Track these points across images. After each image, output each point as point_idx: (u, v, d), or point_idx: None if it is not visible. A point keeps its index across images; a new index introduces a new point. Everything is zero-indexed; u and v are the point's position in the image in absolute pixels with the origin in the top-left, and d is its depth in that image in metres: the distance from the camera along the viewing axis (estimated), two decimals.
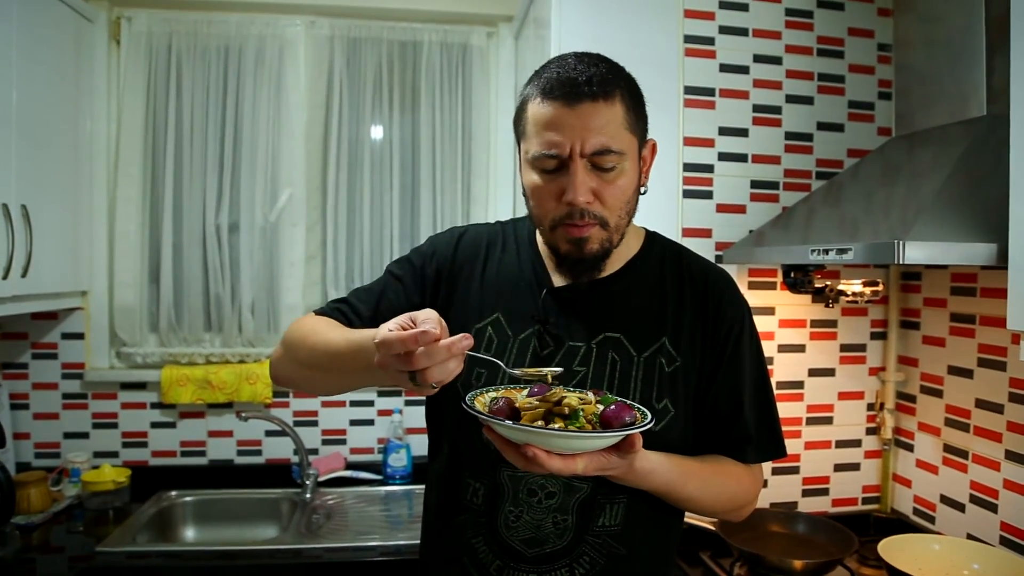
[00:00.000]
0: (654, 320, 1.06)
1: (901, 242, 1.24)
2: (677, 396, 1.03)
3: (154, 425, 2.38)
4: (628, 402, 0.92)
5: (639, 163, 1.03)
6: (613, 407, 0.87)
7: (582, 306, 1.07)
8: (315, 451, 2.43)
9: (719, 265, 1.16)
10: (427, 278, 1.15)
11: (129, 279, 2.37)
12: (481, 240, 1.18)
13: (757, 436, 1.08)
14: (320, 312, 1.14)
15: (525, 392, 0.94)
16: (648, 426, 0.85)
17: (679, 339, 1.05)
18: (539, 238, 1.14)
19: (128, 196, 2.35)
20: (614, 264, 1.09)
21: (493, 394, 0.94)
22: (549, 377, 0.94)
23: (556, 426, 0.84)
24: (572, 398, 0.88)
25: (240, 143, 2.41)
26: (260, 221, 2.42)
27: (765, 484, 1.97)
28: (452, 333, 1.02)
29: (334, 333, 1.02)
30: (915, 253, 1.24)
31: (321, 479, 2.30)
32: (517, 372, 0.94)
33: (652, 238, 1.16)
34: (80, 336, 2.35)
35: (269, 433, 2.41)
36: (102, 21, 2.33)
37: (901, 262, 1.24)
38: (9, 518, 1.87)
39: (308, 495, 2.22)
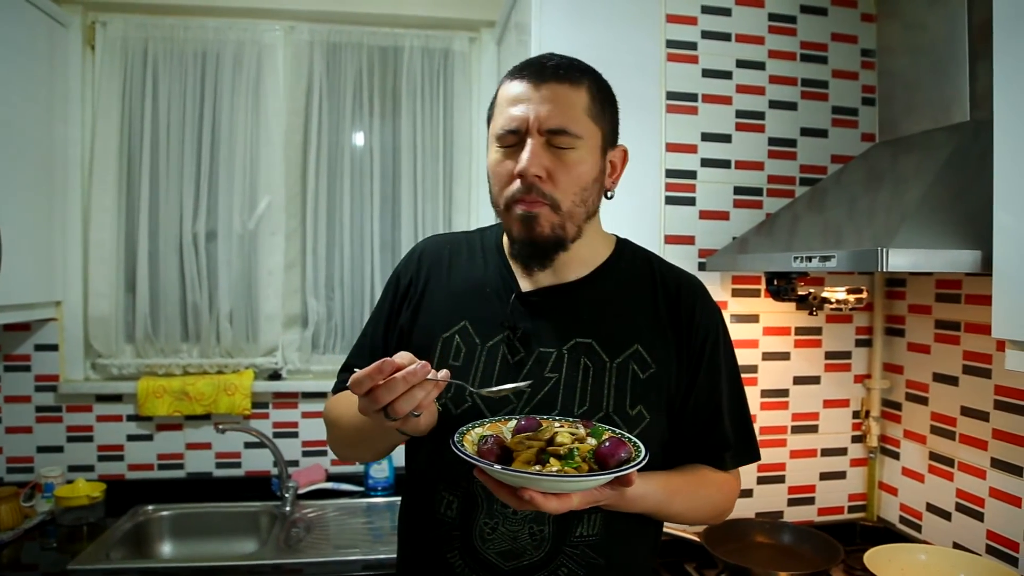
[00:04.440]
0: (627, 326, 1.05)
1: (884, 249, 1.22)
2: (651, 403, 1.02)
3: (130, 438, 2.33)
4: (620, 435, 0.92)
5: (602, 158, 1.03)
6: (608, 444, 0.87)
7: (551, 311, 1.06)
8: (295, 463, 2.39)
9: (691, 273, 1.16)
10: (395, 306, 1.16)
11: (104, 289, 2.32)
12: (442, 249, 1.17)
13: (734, 442, 1.10)
14: (336, 390, 1.18)
15: (511, 424, 0.94)
16: (643, 462, 0.85)
17: (653, 346, 1.05)
18: (506, 243, 1.11)
19: (103, 204, 2.31)
20: (583, 269, 1.08)
21: (480, 431, 0.94)
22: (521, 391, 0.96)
23: (554, 469, 0.84)
24: (564, 435, 0.88)
25: (218, 150, 2.37)
26: (238, 229, 2.38)
27: (750, 494, 1.95)
28: (420, 345, 1.05)
29: (349, 412, 1.03)
30: (898, 260, 1.22)
31: (301, 491, 2.26)
32: (485, 392, 0.93)
33: (623, 245, 1.16)
34: (54, 347, 2.30)
35: (248, 445, 2.37)
36: (76, 26, 2.29)
37: (884, 270, 1.22)
38: None
39: (288, 508, 2.18)
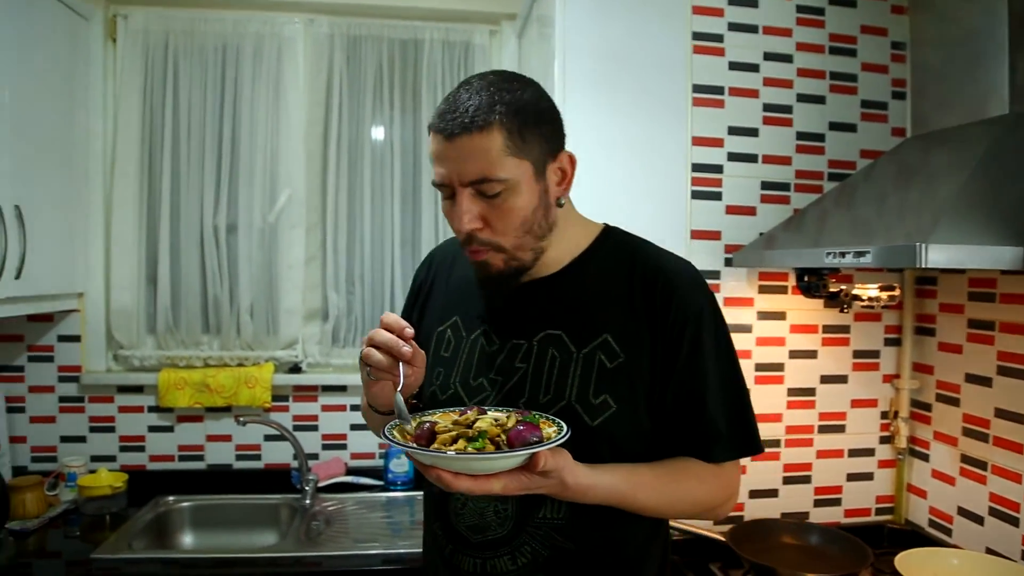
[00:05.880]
0: (596, 317, 1.06)
1: (923, 245, 1.18)
2: (620, 392, 1.02)
3: (152, 429, 2.34)
4: (543, 418, 0.96)
5: (538, 182, 1.02)
6: (521, 428, 0.89)
7: (526, 305, 1.10)
8: (315, 456, 2.38)
9: (683, 259, 1.12)
10: (411, 307, 1.27)
11: (126, 281, 2.33)
12: (449, 251, 1.26)
13: (727, 433, 1.05)
14: None
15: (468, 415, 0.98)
16: (555, 444, 0.87)
17: (624, 336, 1.04)
18: None
19: (125, 196, 2.31)
20: (559, 262, 1.10)
21: (430, 418, 0.98)
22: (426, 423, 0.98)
23: (452, 448, 0.87)
24: (485, 420, 0.92)
25: (238, 143, 2.36)
26: (259, 222, 2.38)
27: (775, 493, 1.92)
28: (424, 339, 1.14)
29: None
30: (938, 256, 1.19)
31: (321, 485, 2.26)
32: (408, 426, 0.97)
33: (607, 234, 1.15)
34: (76, 339, 2.31)
35: (268, 438, 2.37)
36: (98, 19, 2.29)
37: (923, 265, 1.18)
38: (4, 523, 1.84)
39: (308, 501, 2.18)
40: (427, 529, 1.20)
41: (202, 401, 2.29)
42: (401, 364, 0.97)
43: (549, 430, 0.92)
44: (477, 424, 0.91)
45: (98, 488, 2.07)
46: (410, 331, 0.97)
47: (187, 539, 2.17)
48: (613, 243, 1.13)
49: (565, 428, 0.91)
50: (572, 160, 1.07)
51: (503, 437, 0.89)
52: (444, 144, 0.97)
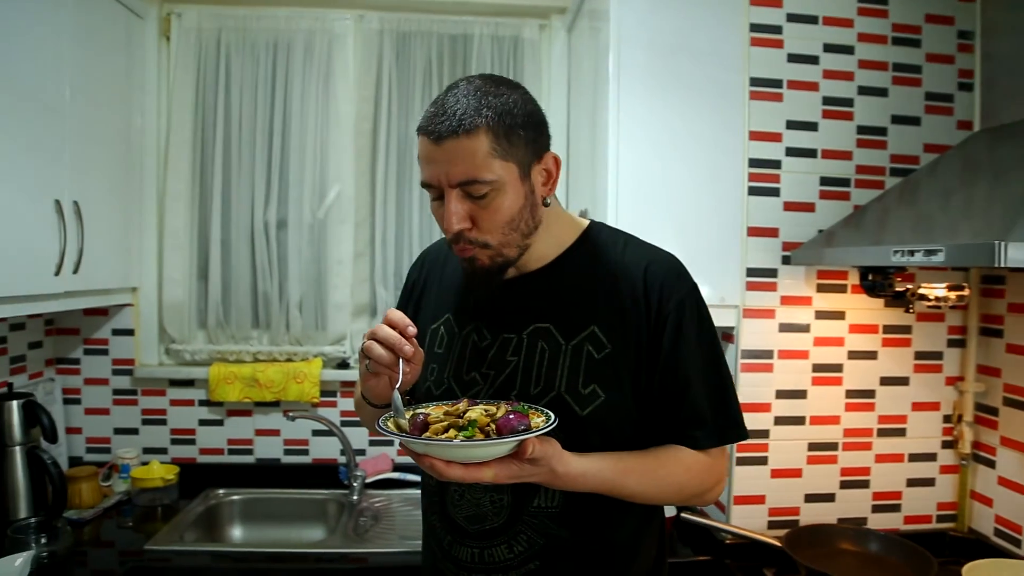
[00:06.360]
0: (584, 309, 1.10)
1: (1002, 243, 1.13)
2: (608, 382, 1.06)
3: (202, 422, 2.38)
4: (532, 409, 0.98)
5: (524, 183, 1.05)
6: (511, 417, 0.92)
7: (515, 299, 1.13)
8: (362, 452, 2.40)
9: (666, 251, 1.15)
10: (404, 306, 1.29)
11: (178, 276, 2.36)
12: (441, 250, 1.29)
13: (711, 420, 1.09)
14: None
15: (459, 407, 1.00)
16: (542, 432, 0.89)
17: (611, 327, 1.08)
18: None
19: (177, 192, 2.35)
20: (547, 258, 1.14)
21: (423, 410, 1.00)
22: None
23: (442, 437, 0.89)
24: (476, 410, 0.95)
25: (289, 139, 2.38)
26: (308, 218, 2.39)
27: (832, 498, 1.87)
28: (418, 337, 1.12)
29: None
30: (1019, 255, 1.13)
31: (368, 481, 2.27)
32: (402, 421, 0.98)
33: (592, 230, 1.18)
34: (130, 332, 2.36)
35: (316, 433, 2.39)
36: (152, 17, 2.33)
37: (1002, 264, 1.13)
38: (62, 512, 1.88)
39: (355, 497, 2.19)
40: (425, 522, 1.22)
41: (251, 395, 2.32)
42: (401, 361, 1.00)
43: (537, 420, 0.95)
44: (467, 414, 0.94)
45: (151, 480, 2.11)
46: (413, 329, 1.00)
47: (236, 532, 2.20)
48: (598, 238, 1.17)
49: (552, 417, 0.94)
50: (557, 161, 1.10)
51: (493, 426, 0.91)
52: (432, 147, 1.00)
